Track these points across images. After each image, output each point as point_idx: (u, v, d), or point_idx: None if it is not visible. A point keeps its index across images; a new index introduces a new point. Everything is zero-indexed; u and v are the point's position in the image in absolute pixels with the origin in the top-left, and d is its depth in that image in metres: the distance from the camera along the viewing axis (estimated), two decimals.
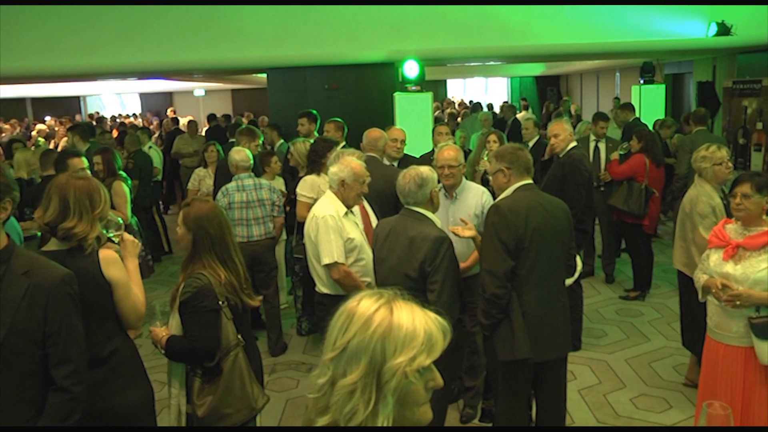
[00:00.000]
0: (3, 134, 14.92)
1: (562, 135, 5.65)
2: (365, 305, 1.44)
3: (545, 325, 3.58)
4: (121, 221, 3.26)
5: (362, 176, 4.15)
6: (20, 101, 22.42)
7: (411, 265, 3.60)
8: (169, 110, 21.61)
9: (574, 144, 5.70)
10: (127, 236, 3.22)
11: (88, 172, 4.68)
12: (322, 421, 1.42)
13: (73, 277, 2.44)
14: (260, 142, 7.14)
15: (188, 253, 3.12)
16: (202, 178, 7.98)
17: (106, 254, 2.90)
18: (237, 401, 3.04)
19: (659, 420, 4.56)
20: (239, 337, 3.11)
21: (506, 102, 19.72)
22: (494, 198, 4.21)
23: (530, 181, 3.75)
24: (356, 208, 4.49)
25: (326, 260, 4.03)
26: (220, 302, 3.02)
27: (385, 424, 1.37)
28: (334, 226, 4.04)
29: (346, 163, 4.18)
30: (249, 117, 16.14)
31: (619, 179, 6.87)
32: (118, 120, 19.96)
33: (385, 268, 3.75)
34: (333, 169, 4.19)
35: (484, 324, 3.60)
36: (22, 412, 2.31)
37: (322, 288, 4.19)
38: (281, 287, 6.61)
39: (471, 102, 20.72)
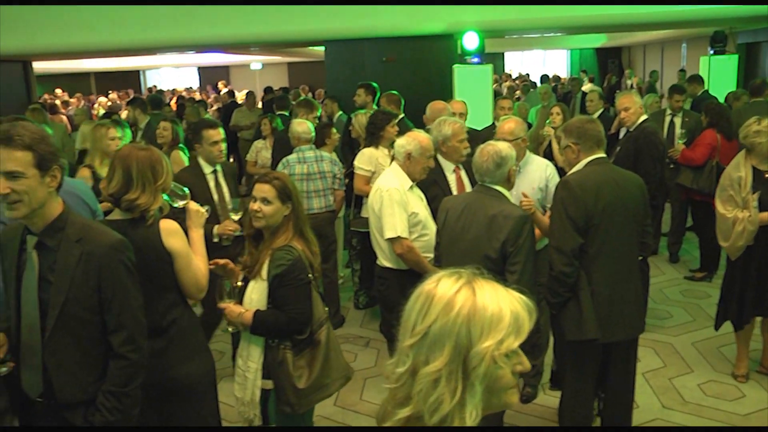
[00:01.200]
0: (69, 107, 15.28)
1: (632, 108, 5.41)
2: (445, 286, 1.34)
3: (615, 304, 3.43)
4: (187, 191, 3.23)
5: (429, 150, 4.04)
6: (85, 75, 22.99)
7: (491, 244, 3.44)
8: (220, 83, 21.83)
9: (644, 117, 5.46)
10: (193, 205, 3.18)
11: (224, 145, 4.66)
12: (402, 413, 1.33)
13: (126, 243, 2.46)
14: (318, 114, 7.09)
15: (278, 227, 3.05)
16: (259, 150, 8.00)
17: (166, 225, 2.89)
18: (334, 371, 3.09)
19: (731, 408, 4.36)
20: (326, 309, 3.14)
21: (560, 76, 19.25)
22: (560, 174, 4.06)
23: (602, 154, 3.57)
24: (452, 178, 4.40)
25: (389, 234, 3.95)
26: (309, 275, 3.02)
27: (473, 415, 1.29)
28: (399, 199, 3.94)
29: (414, 136, 4.08)
30: (305, 90, 16.16)
31: (702, 163, 6.50)
32: (176, 93, 20.22)
33: (458, 247, 3.59)
34: (400, 142, 4.08)
35: (551, 302, 3.48)
36: (86, 376, 2.38)
37: (384, 262, 4.12)
38: (338, 261, 6.58)
39: (527, 75, 20.33)
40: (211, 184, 4.58)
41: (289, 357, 2.98)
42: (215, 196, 4.57)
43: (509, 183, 3.63)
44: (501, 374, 1.30)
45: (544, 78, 14.88)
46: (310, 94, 16.14)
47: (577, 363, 3.56)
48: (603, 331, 3.39)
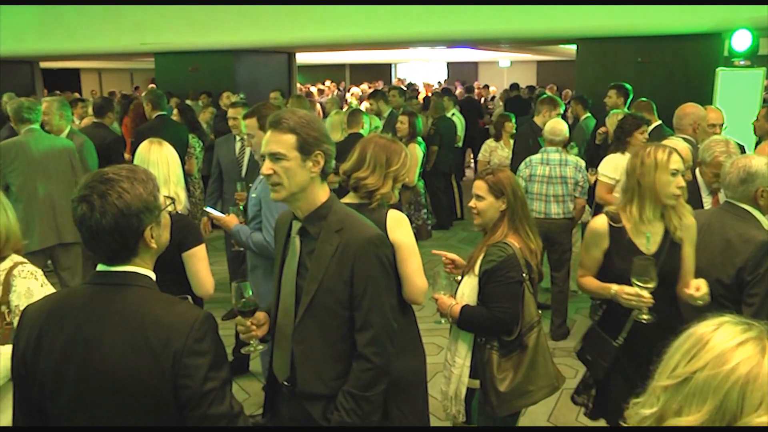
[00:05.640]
0: (323, 95, 16.38)
1: None
2: (725, 334, 1.13)
3: None
4: None
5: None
6: (340, 67, 24.55)
7: (725, 270, 3.06)
8: (443, 80, 21.72)
9: None
10: None
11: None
12: None
13: (384, 239, 2.38)
14: (561, 111, 6.81)
15: (495, 223, 3.01)
16: (493, 150, 7.91)
17: (394, 214, 2.91)
18: (540, 379, 2.95)
19: None
20: (539, 312, 3.01)
21: None
22: None
23: None
24: (708, 201, 3.97)
25: None
26: (524, 274, 2.92)
27: None
28: None
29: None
30: (552, 89, 15.76)
31: None
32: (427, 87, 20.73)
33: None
34: None
35: None
36: (329, 370, 2.34)
37: None
38: (574, 271, 6.26)
39: None
40: None
41: (495, 358, 2.91)
42: None
43: (757, 204, 3.18)
44: None
45: None
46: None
47: None
48: None
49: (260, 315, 2.43)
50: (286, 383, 2.43)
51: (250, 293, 2.39)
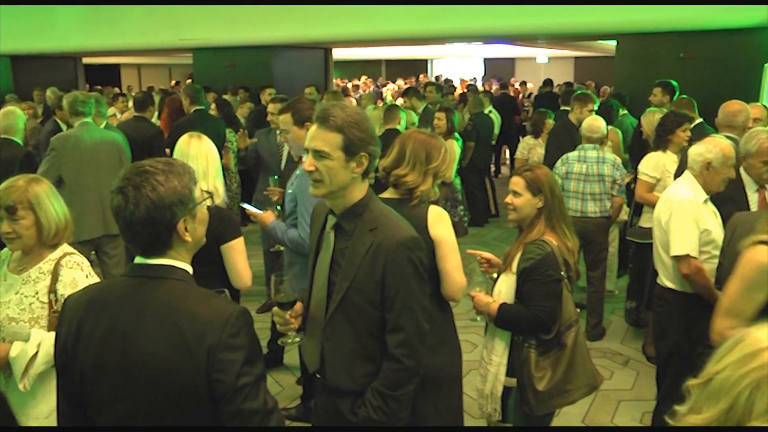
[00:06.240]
0: (359, 90, 16.40)
1: None
2: (759, 336, 1.08)
3: None
4: None
5: (731, 159, 3.58)
6: (376, 62, 24.57)
7: None
8: (479, 76, 21.35)
9: None
10: None
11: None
12: None
13: (418, 241, 2.33)
14: (594, 108, 6.70)
15: (532, 220, 3.00)
16: (531, 147, 7.82)
17: (435, 210, 2.89)
18: (579, 378, 2.94)
19: None
20: (577, 311, 3.00)
21: None
22: None
23: None
24: (754, 198, 3.88)
25: (677, 251, 3.53)
26: (562, 272, 2.90)
27: None
28: (692, 213, 3.52)
29: (715, 142, 3.63)
30: (590, 86, 15.54)
31: None
32: (463, 83, 20.62)
33: None
34: (698, 149, 3.64)
35: None
36: (359, 367, 2.34)
37: (665, 281, 3.70)
38: (610, 271, 6.16)
39: None
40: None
41: (533, 356, 2.89)
42: None
43: None
44: None
45: None
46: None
47: None
48: None
49: (298, 306, 2.44)
50: (317, 375, 2.44)
51: (289, 286, 2.38)
